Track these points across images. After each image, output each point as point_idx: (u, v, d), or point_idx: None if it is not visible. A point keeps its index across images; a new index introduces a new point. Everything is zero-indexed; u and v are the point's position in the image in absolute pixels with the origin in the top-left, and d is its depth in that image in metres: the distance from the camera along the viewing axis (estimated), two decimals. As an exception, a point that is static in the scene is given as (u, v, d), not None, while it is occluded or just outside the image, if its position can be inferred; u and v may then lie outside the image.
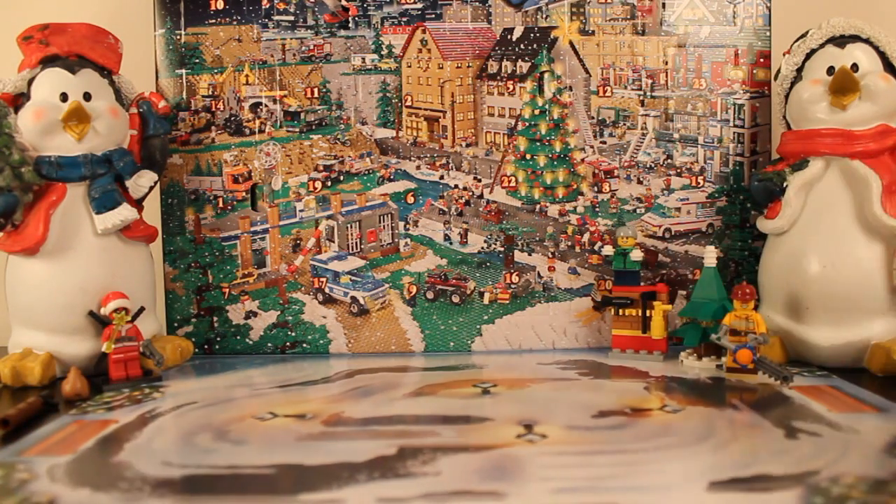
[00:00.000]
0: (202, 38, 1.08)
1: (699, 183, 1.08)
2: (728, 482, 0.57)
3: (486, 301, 1.08)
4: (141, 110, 1.00)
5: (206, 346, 1.08)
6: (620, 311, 1.00)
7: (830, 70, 0.94)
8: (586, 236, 1.08)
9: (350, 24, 1.08)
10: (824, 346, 0.91)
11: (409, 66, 1.09)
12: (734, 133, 1.08)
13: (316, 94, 1.08)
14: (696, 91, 1.08)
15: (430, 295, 1.08)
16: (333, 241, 1.09)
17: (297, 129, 1.08)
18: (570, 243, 1.08)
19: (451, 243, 1.09)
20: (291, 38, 1.08)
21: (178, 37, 1.07)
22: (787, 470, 0.58)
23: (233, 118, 1.08)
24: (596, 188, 1.09)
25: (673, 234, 1.08)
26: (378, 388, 0.86)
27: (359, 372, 0.95)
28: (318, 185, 1.08)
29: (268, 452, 0.65)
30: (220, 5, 1.07)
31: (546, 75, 1.08)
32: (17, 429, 0.73)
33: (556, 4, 1.08)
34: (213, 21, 1.07)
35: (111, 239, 0.95)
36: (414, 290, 1.08)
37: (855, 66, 0.93)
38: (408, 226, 1.09)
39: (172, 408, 0.80)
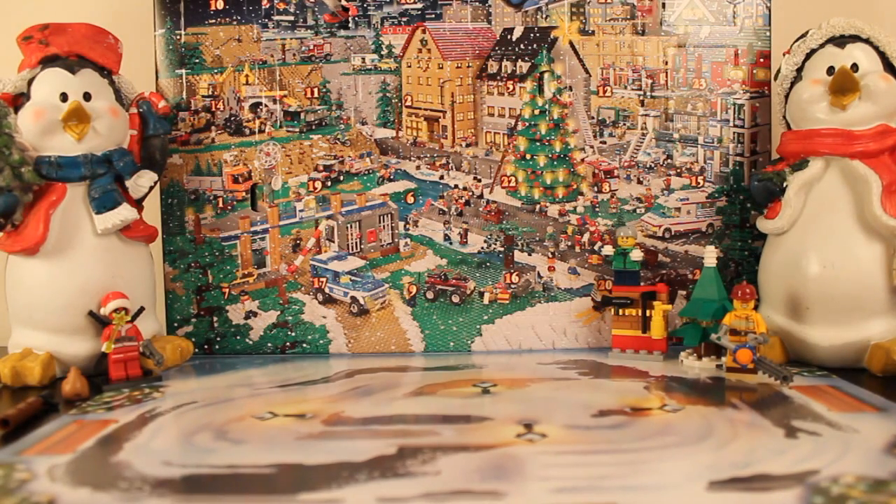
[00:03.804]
0: (202, 38, 1.07)
1: (699, 183, 1.08)
2: (728, 482, 0.57)
3: (486, 301, 1.08)
4: (141, 110, 1.00)
5: (206, 346, 1.08)
6: (620, 311, 1.00)
7: (830, 70, 0.94)
8: (586, 236, 1.08)
9: (350, 24, 1.08)
10: (824, 346, 0.91)
11: (409, 66, 1.09)
12: (734, 133, 1.08)
13: (316, 94, 1.08)
14: (696, 91, 1.08)
15: (429, 295, 1.08)
16: (333, 241, 1.09)
17: (297, 129, 1.08)
18: (570, 243, 1.08)
19: (451, 243, 1.09)
20: (291, 38, 1.08)
21: (178, 37, 1.07)
22: (786, 469, 0.58)
23: (233, 118, 1.08)
24: (596, 188, 1.09)
25: (673, 234, 1.08)
26: (378, 388, 0.86)
27: (359, 372, 0.95)
28: (318, 185, 1.08)
29: (268, 452, 0.65)
30: (220, 5, 1.07)
31: (546, 75, 1.08)
32: (17, 429, 0.73)
33: (556, 4, 1.08)
34: (213, 21, 1.07)
35: (111, 239, 0.95)
36: (414, 290, 1.08)
37: (855, 66, 0.93)
38: (408, 226, 1.09)
39: (172, 408, 0.80)
